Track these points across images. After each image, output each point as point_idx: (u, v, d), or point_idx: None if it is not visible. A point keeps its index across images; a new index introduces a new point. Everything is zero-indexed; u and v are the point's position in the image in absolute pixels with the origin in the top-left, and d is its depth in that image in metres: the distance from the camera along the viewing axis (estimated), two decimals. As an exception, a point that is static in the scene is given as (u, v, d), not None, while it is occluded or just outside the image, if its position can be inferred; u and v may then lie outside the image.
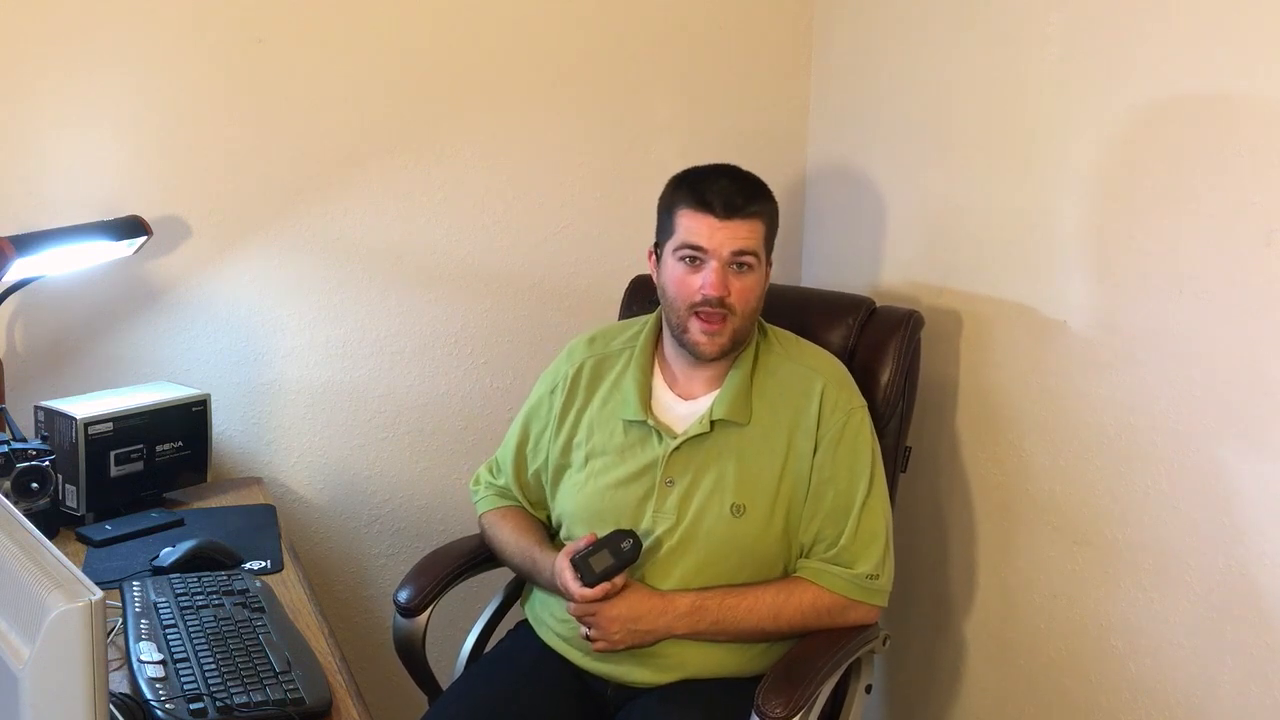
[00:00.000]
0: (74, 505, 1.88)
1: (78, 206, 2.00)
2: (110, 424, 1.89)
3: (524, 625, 1.87)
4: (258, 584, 1.62)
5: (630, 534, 1.64)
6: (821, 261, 2.44)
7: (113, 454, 1.90)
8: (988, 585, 2.01)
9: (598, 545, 1.63)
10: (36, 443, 1.82)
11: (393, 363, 2.27)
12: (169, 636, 1.42)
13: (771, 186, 1.74)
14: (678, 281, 1.69)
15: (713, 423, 1.71)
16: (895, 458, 1.90)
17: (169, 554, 1.72)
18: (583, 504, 1.76)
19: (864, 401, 1.76)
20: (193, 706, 1.26)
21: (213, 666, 1.35)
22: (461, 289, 2.28)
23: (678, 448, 1.72)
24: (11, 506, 1.09)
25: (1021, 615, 1.93)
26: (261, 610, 1.52)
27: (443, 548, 1.94)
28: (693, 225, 1.67)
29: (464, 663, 1.92)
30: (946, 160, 2.04)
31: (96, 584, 0.95)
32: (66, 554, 1.03)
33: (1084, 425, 1.76)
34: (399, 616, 1.83)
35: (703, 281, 1.66)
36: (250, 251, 2.15)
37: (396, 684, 2.03)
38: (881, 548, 1.70)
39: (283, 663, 1.38)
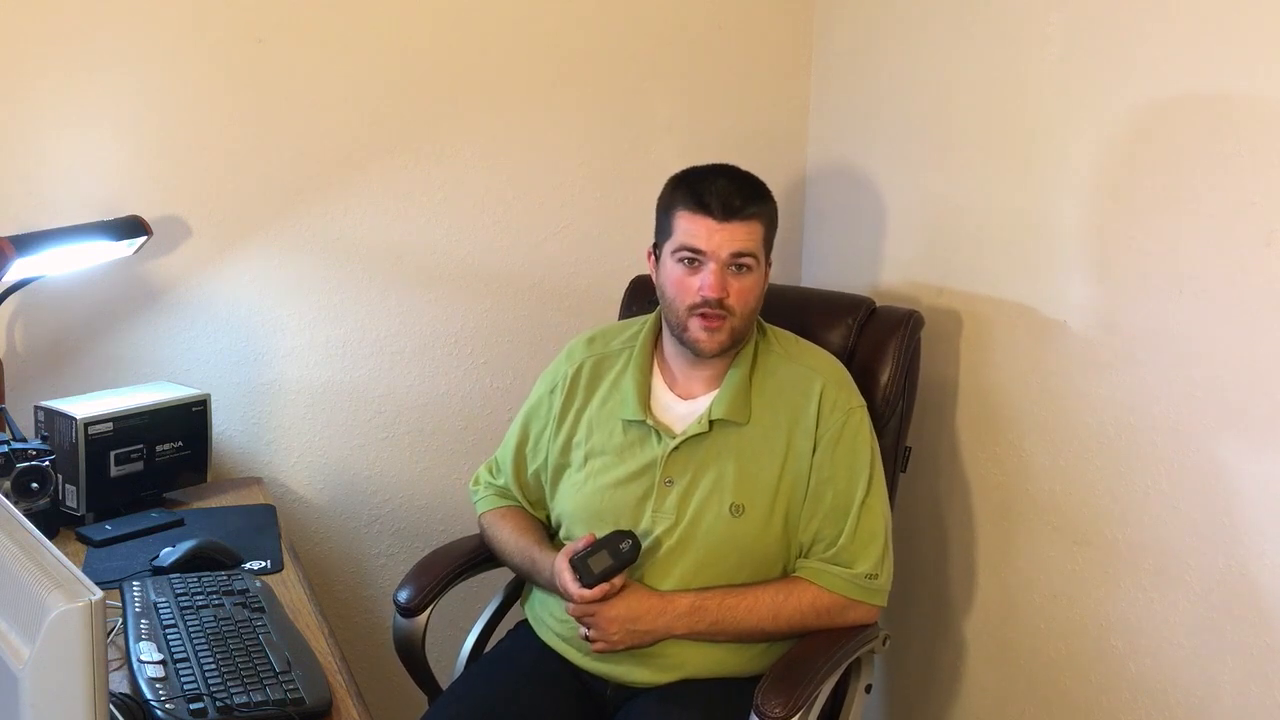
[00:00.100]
0: (74, 505, 1.88)
1: (78, 206, 2.00)
2: (110, 424, 1.89)
3: (524, 625, 1.87)
4: (258, 584, 1.62)
5: (629, 535, 1.64)
6: (821, 261, 2.44)
7: (113, 454, 1.90)
8: (988, 585, 2.01)
9: (597, 546, 1.63)
10: (36, 443, 1.82)
11: (393, 363, 2.27)
12: (169, 636, 1.42)
13: (771, 186, 1.74)
14: (676, 283, 1.69)
15: (712, 422, 1.71)
16: (895, 458, 1.90)
17: (169, 554, 1.72)
18: (582, 504, 1.76)
19: (863, 401, 1.76)
20: (193, 706, 1.26)
21: (213, 666, 1.35)
22: (461, 289, 2.28)
23: (677, 447, 1.72)
24: (11, 506, 1.09)
25: (1021, 615, 1.93)
26: (261, 610, 1.52)
27: (443, 548, 1.94)
28: (691, 227, 1.67)
29: (464, 663, 1.92)
30: (946, 160, 2.04)
31: (96, 584, 0.95)
32: (66, 554, 1.03)
33: (1084, 425, 1.76)
34: (399, 616, 1.83)
35: (701, 283, 1.66)
36: (250, 251, 2.15)
37: (396, 684, 2.03)
38: (881, 547, 1.70)
39: (283, 663, 1.38)
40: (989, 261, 1.95)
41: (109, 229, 1.93)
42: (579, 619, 1.65)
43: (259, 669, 1.36)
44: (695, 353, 1.71)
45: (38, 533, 1.03)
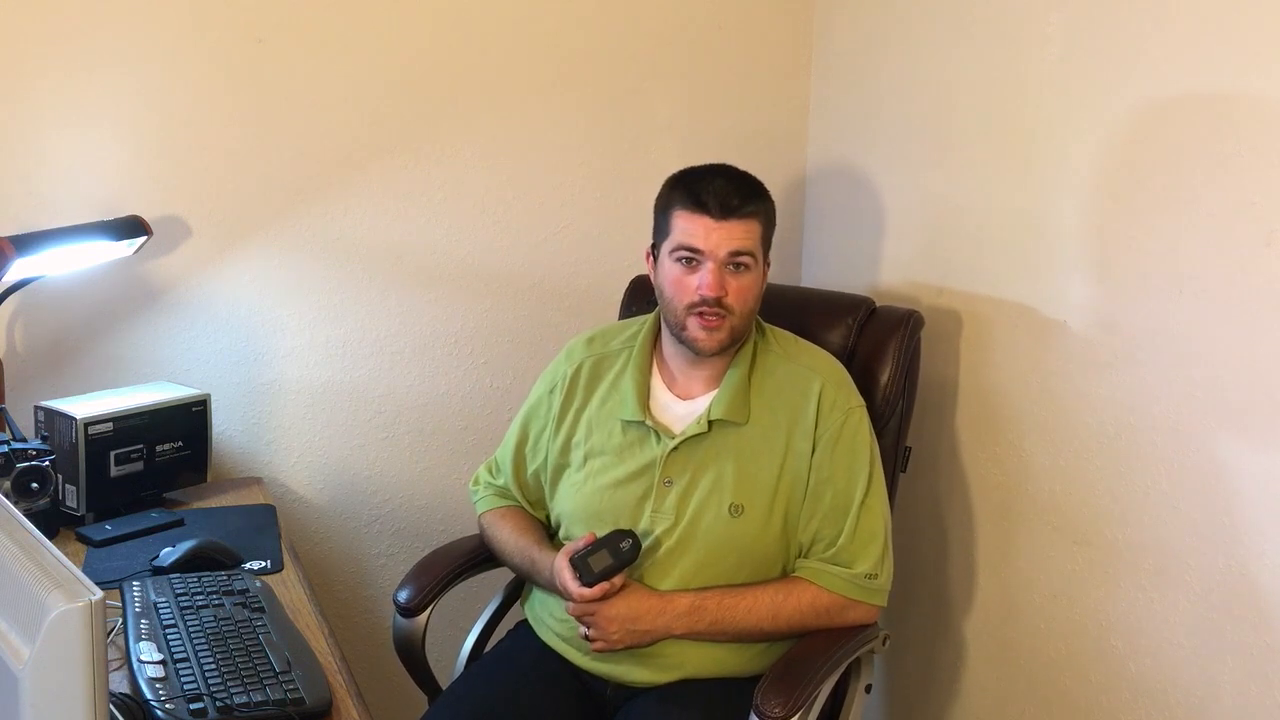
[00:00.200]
0: (74, 505, 1.88)
1: (78, 206, 2.00)
2: (110, 424, 1.89)
3: (524, 625, 1.87)
4: (258, 584, 1.62)
5: (629, 534, 1.65)
6: (821, 261, 2.44)
7: (113, 454, 1.90)
8: (988, 585, 2.01)
9: (596, 545, 1.63)
10: (36, 443, 1.82)
11: (393, 363, 2.27)
12: (169, 636, 1.42)
13: (771, 186, 1.74)
14: (675, 282, 1.69)
15: (711, 423, 1.71)
16: (895, 458, 1.90)
17: (169, 554, 1.72)
18: (581, 504, 1.76)
19: (862, 401, 1.76)
20: (193, 706, 1.26)
21: (213, 666, 1.35)
22: (461, 289, 2.28)
23: (676, 448, 1.72)
24: (11, 506, 1.09)
25: (1021, 615, 1.93)
26: (261, 610, 1.52)
27: (443, 548, 1.94)
28: (688, 227, 1.67)
29: (464, 663, 1.92)
30: (946, 160, 2.04)
31: (96, 584, 0.95)
32: (66, 554, 1.03)
33: (1084, 425, 1.76)
34: (399, 616, 1.83)
35: (699, 282, 1.66)
36: (250, 251, 2.15)
37: (396, 684, 2.03)
38: (880, 547, 1.70)
39: (283, 663, 1.38)
40: (989, 261, 1.95)
41: (109, 229, 1.94)
42: (579, 618, 1.66)
43: (259, 669, 1.36)
44: (694, 352, 1.71)
45: (38, 533, 1.03)
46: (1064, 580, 1.83)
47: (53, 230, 1.88)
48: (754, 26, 2.37)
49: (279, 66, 2.10)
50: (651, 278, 1.78)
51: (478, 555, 1.90)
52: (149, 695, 1.28)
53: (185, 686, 1.30)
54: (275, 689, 1.32)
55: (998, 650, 1.99)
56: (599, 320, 2.06)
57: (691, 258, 1.67)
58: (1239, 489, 1.53)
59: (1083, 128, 1.73)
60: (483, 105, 2.23)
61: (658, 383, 1.79)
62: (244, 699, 1.29)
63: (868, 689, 1.77)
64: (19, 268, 1.82)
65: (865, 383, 1.84)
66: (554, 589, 1.69)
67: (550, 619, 1.78)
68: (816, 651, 1.63)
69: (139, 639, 1.40)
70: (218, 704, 1.27)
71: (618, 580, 1.63)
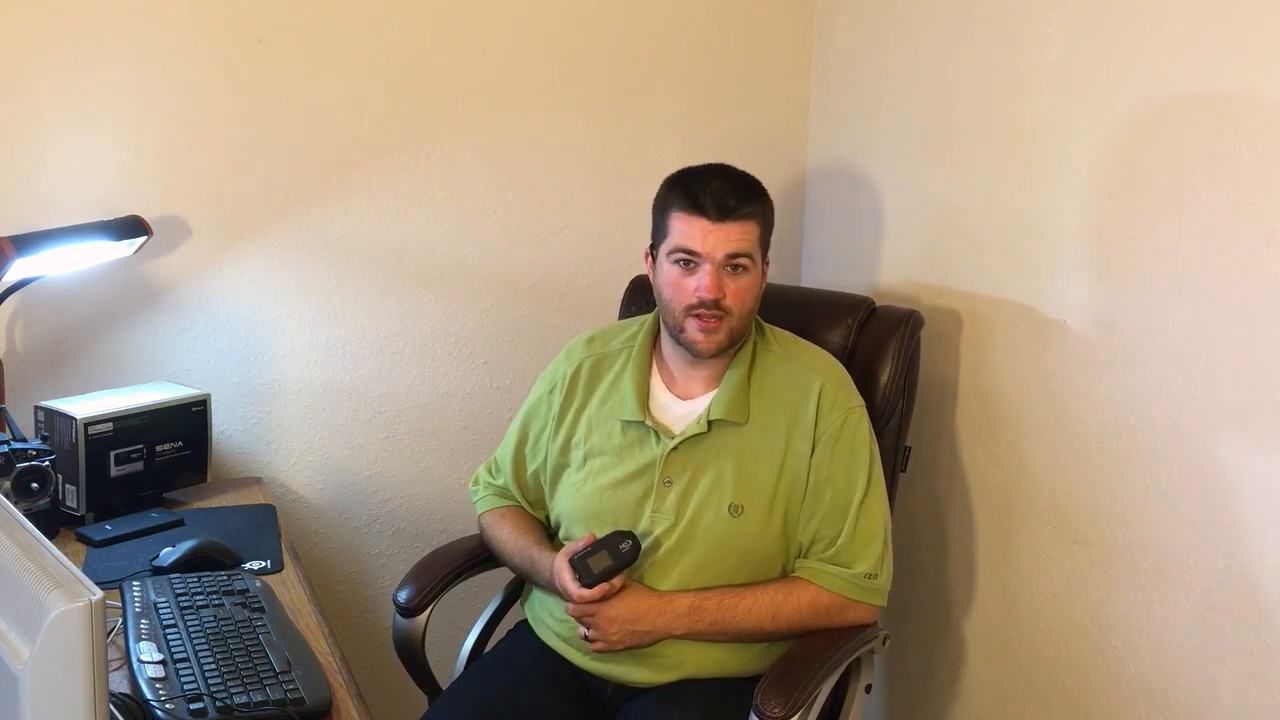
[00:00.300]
0: (74, 505, 1.88)
1: (78, 206, 2.00)
2: (110, 424, 1.89)
3: (524, 625, 1.87)
4: (258, 584, 1.62)
5: (629, 535, 1.64)
6: (821, 261, 2.44)
7: (113, 454, 1.90)
8: (988, 585, 2.01)
9: (596, 546, 1.63)
10: (36, 443, 1.82)
11: (393, 363, 2.27)
12: (169, 636, 1.42)
13: (771, 186, 1.74)
14: (673, 284, 1.69)
15: (710, 423, 1.71)
16: (895, 458, 1.90)
17: (169, 554, 1.72)
18: (581, 504, 1.76)
19: (862, 401, 1.76)
20: (193, 706, 1.26)
21: (213, 666, 1.35)
22: (461, 289, 2.28)
23: (675, 448, 1.72)
24: (11, 506, 1.09)
25: (1021, 615, 1.93)
26: (261, 610, 1.52)
27: (443, 548, 1.94)
28: (686, 229, 1.67)
29: (464, 663, 1.92)
30: (946, 160, 2.04)
31: (96, 584, 0.95)
32: (66, 554, 1.03)
33: (1084, 425, 1.76)
34: (399, 616, 1.83)
35: (697, 284, 1.66)
36: (250, 251, 2.15)
37: (396, 684, 2.03)
38: (880, 547, 1.70)
39: (283, 663, 1.38)
40: (989, 261, 1.95)
41: (109, 229, 1.94)
42: (578, 619, 1.66)
43: (259, 669, 1.36)
44: (693, 354, 1.71)
45: (38, 533, 1.03)
46: (1064, 580, 1.83)
47: (53, 230, 1.88)
48: (754, 26, 2.37)
49: (279, 66, 2.10)
50: (650, 278, 1.78)
51: (478, 555, 1.90)
52: (149, 695, 1.28)
53: (185, 686, 1.30)
54: (275, 689, 1.32)
55: (998, 650, 1.99)
56: (599, 320, 2.06)
57: (689, 260, 1.67)
58: (1239, 489, 1.53)
59: (1083, 128, 1.73)
60: (483, 105, 2.23)
61: (657, 383, 1.79)
62: (244, 699, 1.29)
63: (868, 689, 1.77)
64: (19, 268, 1.82)
65: (865, 383, 1.84)
66: (554, 589, 1.69)
67: (550, 619, 1.78)
68: (816, 651, 1.63)
69: (139, 639, 1.40)
70: (218, 704, 1.27)
71: (617, 581, 1.63)
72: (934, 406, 2.07)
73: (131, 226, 1.97)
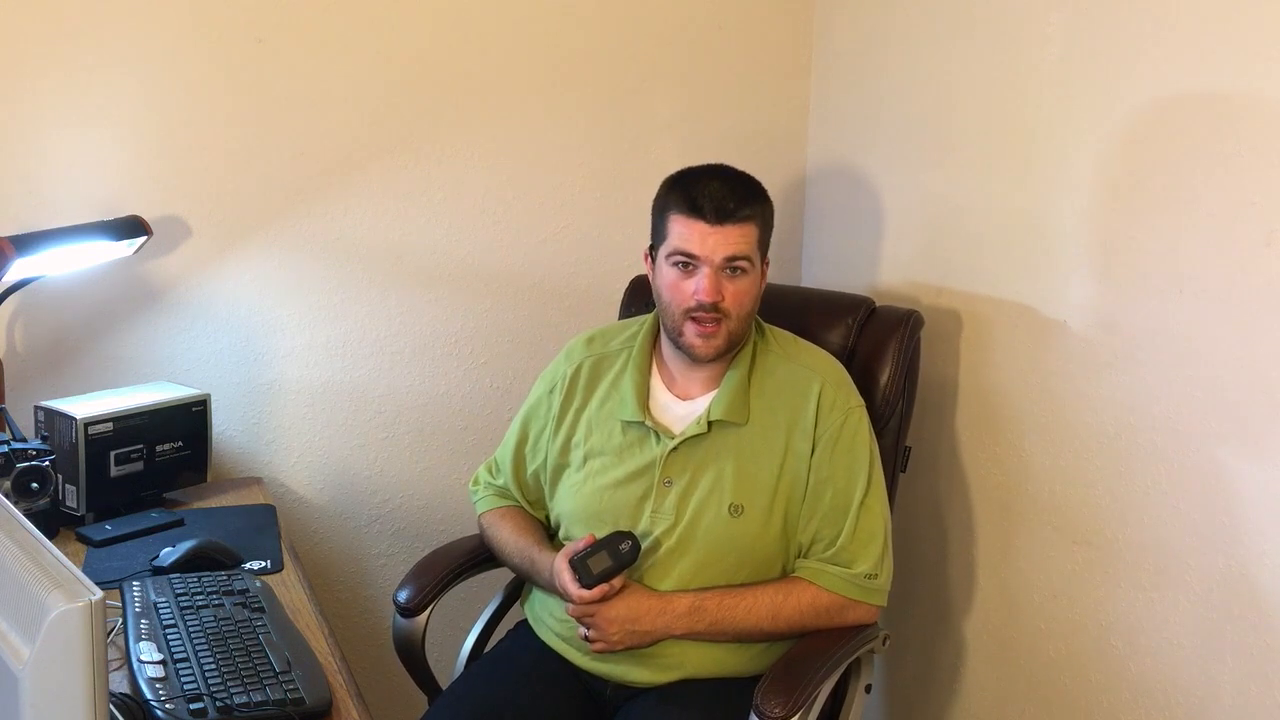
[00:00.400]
0: (74, 505, 1.88)
1: (78, 206, 2.00)
2: (110, 424, 1.89)
3: (524, 625, 1.87)
4: (258, 584, 1.62)
5: (629, 535, 1.64)
6: (821, 261, 2.44)
7: (113, 454, 1.90)
8: (988, 585, 2.01)
9: (596, 546, 1.63)
10: (36, 443, 1.82)
11: (393, 363, 2.27)
12: (169, 636, 1.42)
13: (771, 186, 1.74)
14: (671, 286, 1.69)
15: (710, 423, 1.71)
16: (895, 458, 1.90)
17: (169, 554, 1.72)
18: (581, 504, 1.76)
19: (862, 401, 1.76)
20: (193, 706, 1.26)
21: (213, 666, 1.35)
22: (461, 289, 2.28)
23: (675, 448, 1.72)
24: (11, 506, 1.09)
25: (1021, 615, 1.93)
26: (261, 610, 1.52)
27: (443, 548, 1.94)
28: (684, 231, 1.66)
29: (464, 663, 1.92)
30: (946, 160, 2.04)
31: (96, 584, 0.95)
32: (66, 554, 1.03)
33: (1084, 425, 1.76)
34: (399, 616, 1.83)
35: (696, 287, 1.66)
36: (250, 251, 2.15)
37: (396, 684, 2.04)
38: (880, 547, 1.70)
39: (283, 663, 1.38)
40: (989, 261, 1.95)
41: (109, 229, 1.93)
42: (578, 619, 1.66)
43: (259, 669, 1.36)
44: (691, 358, 1.71)
45: (38, 533, 1.03)
46: (1064, 580, 1.83)
47: (53, 230, 1.88)
48: (754, 26, 2.37)
49: (279, 66, 2.10)
50: (650, 279, 1.78)
51: (478, 555, 1.90)
52: (149, 695, 1.28)
53: (185, 686, 1.30)
54: (275, 689, 1.32)
55: (998, 650, 1.99)
56: (599, 320, 2.06)
57: (688, 262, 1.67)
58: (1239, 489, 1.53)
59: (1083, 128, 1.73)
60: (483, 105, 2.23)
61: (657, 383, 1.79)
62: (244, 699, 1.29)
63: (868, 689, 1.77)
64: (19, 268, 1.82)
65: (865, 383, 1.84)
66: (554, 590, 1.69)
67: (550, 619, 1.78)
68: (816, 651, 1.63)
69: (139, 639, 1.40)
70: (218, 704, 1.27)
71: (617, 582, 1.63)
72: (934, 406, 2.07)
73: (131, 226, 1.97)
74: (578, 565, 1.62)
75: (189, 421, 2.01)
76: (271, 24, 2.08)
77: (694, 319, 1.67)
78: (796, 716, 1.52)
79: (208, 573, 1.64)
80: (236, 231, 2.13)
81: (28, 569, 0.96)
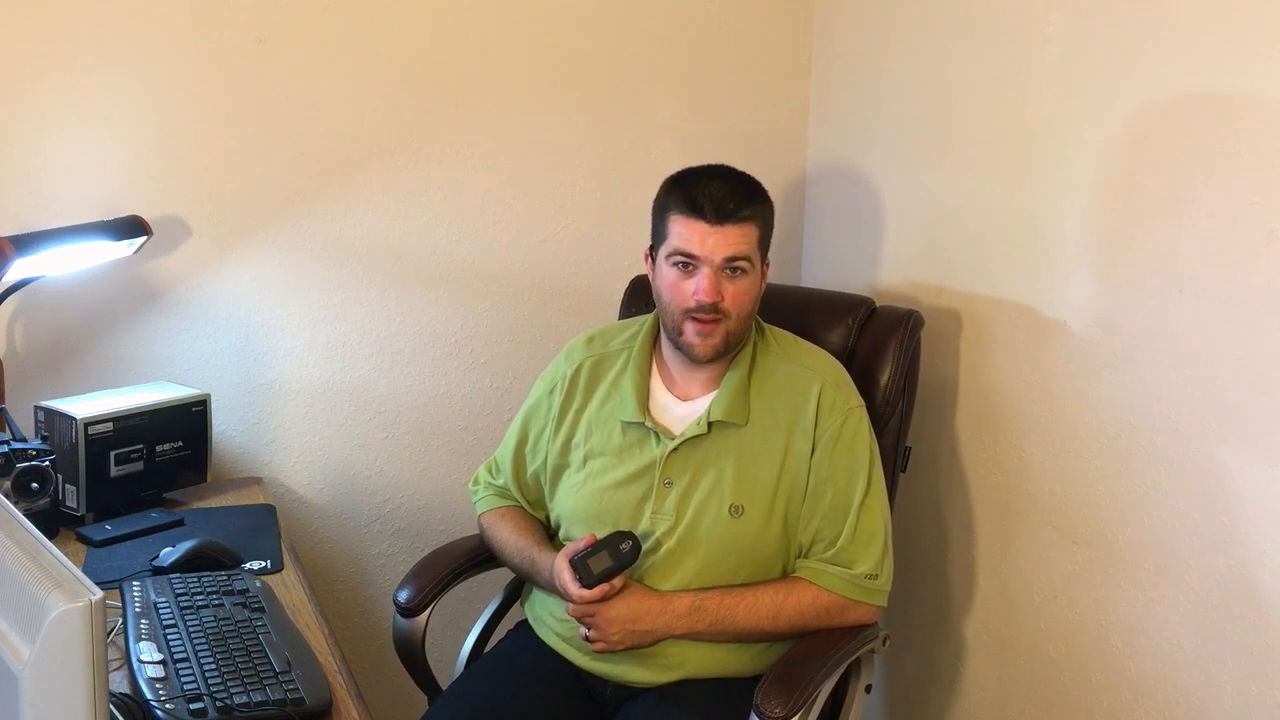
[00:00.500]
0: (74, 505, 1.88)
1: (78, 206, 2.00)
2: (110, 424, 1.89)
3: (524, 625, 1.87)
4: (258, 584, 1.62)
5: (629, 536, 1.64)
6: (821, 261, 2.44)
7: (113, 454, 1.90)
8: (988, 585, 2.01)
9: (596, 547, 1.63)
10: (36, 443, 1.82)
11: (393, 363, 2.27)
12: (169, 636, 1.42)
13: (771, 186, 1.74)
14: (671, 287, 1.69)
15: (710, 424, 1.71)
16: (895, 458, 1.90)
17: (169, 554, 1.72)
18: (581, 504, 1.76)
19: (862, 401, 1.76)
20: (193, 706, 1.26)
21: (213, 666, 1.35)
22: (461, 289, 2.28)
23: (675, 449, 1.72)
24: (11, 506, 1.09)
25: (1021, 615, 1.93)
26: (261, 610, 1.52)
27: (443, 548, 1.94)
28: (684, 232, 1.66)
29: (464, 663, 1.92)
30: (946, 160, 2.04)
31: (96, 584, 0.95)
32: (66, 554, 1.03)
33: (1084, 425, 1.76)
34: (399, 616, 1.83)
35: (696, 287, 1.66)
36: (250, 251, 2.15)
37: (396, 684, 2.04)
38: (880, 547, 1.70)
39: (283, 663, 1.38)
40: (989, 261, 1.95)
41: (109, 229, 1.93)
42: (579, 619, 1.65)
43: (259, 669, 1.36)
44: (690, 358, 1.71)
45: (38, 533, 1.03)
46: (1064, 580, 1.83)
47: (53, 230, 1.88)
48: (754, 26, 2.37)
49: (279, 66, 2.10)
50: (650, 279, 1.78)
51: (478, 555, 1.90)
52: (149, 695, 1.28)
53: (185, 686, 1.30)
54: (275, 689, 1.32)
55: (998, 650, 1.99)
56: (599, 320, 2.06)
57: (687, 263, 1.67)
58: (1239, 489, 1.53)
59: (1083, 128, 1.73)
60: (483, 105, 2.23)
61: (657, 383, 1.79)
62: (244, 699, 1.29)
63: (868, 689, 1.77)
64: (19, 268, 1.82)
65: (865, 383, 1.84)
66: (554, 590, 1.69)
67: (550, 619, 1.78)
68: (816, 651, 1.63)
69: (139, 639, 1.40)
70: (218, 704, 1.27)
71: (617, 582, 1.63)
72: (934, 406, 2.07)
73: (131, 226, 1.97)
74: (578, 565, 1.62)
75: (189, 421, 2.01)
76: (271, 24, 2.08)
77: (694, 319, 1.67)
78: (797, 716, 1.52)
79: (208, 573, 1.63)
80: (236, 231, 2.13)
81: (28, 569, 0.96)
